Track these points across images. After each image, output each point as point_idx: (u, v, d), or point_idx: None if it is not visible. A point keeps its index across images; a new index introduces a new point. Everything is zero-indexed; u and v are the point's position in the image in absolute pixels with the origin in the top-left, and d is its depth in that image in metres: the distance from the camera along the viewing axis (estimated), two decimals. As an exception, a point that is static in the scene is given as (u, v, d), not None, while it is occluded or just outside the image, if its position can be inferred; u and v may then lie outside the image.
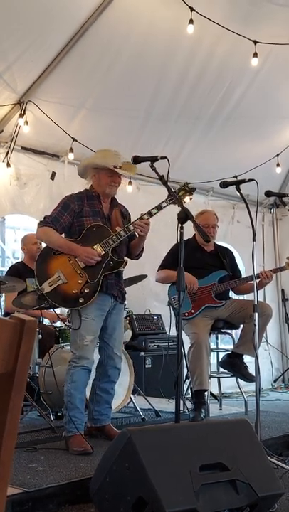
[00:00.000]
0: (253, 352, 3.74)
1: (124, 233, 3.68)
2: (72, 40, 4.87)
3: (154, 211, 3.68)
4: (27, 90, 5.15)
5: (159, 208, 3.68)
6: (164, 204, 3.67)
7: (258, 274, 4.58)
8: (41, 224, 3.72)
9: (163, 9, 4.85)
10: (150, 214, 3.69)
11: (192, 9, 4.59)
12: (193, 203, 6.29)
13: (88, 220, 3.72)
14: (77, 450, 3.45)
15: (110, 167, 3.69)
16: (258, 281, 4.62)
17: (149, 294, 6.44)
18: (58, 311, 4.86)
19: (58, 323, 5.18)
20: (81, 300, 3.61)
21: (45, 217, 3.74)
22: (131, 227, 3.69)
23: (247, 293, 4.92)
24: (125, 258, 3.83)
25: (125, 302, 4.73)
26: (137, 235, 3.79)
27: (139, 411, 4.53)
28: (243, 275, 5.15)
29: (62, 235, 3.75)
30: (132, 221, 3.76)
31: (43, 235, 3.74)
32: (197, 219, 4.81)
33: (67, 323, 4.54)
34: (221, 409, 5.19)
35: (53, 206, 3.87)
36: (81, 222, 3.72)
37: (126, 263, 3.80)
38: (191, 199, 3.72)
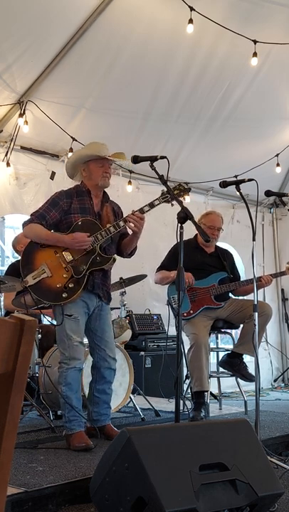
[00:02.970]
0: (252, 352, 3.74)
1: (114, 229, 3.61)
2: (72, 40, 4.87)
3: (146, 208, 3.62)
4: (27, 90, 5.15)
5: (151, 205, 3.62)
6: (156, 202, 3.60)
7: (258, 278, 4.60)
8: (27, 222, 3.66)
9: (163, 9, 4.84)
10: (142, 211, 3.62)
11: (192, 9, 4.59)
12: (194, 203, 6.32)
13: (76, 216, 3.66)
14: (79, 446, 3.45)
15: (101, 155, 3.66)
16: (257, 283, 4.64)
17: (148, 294, 6.45)
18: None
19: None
20: (64, 295, 3.55)
21: (31, 215, 3.69)
22: (121, 223, 3.62)
23: (246, 294, 4.92)
24: (114, 256, 3.76)
25: (125, 302, 4.70)
26: (129, 231, 3.72)
27: (139, 411, 4.53)
28: (242, 275, 5.14)
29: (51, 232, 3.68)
30: (123, 217, 3.69)
31: (29, 232, 3.66)
32: (202, 219, 4.81)
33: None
34: (220, 409, 5.19)
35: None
36: (69, 219, 3.66)
37: (114, 260, 3.74)
38: (184, 199, 3.68)
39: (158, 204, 3.62)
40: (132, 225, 3.62)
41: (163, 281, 4.78)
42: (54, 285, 3.57)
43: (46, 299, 3.61)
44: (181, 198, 3.56)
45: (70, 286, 3.56)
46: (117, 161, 3.81)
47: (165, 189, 3.53)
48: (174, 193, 3.54)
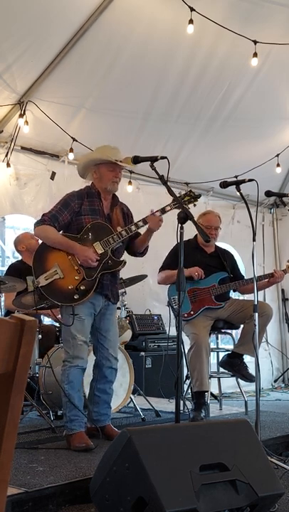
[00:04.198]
0: (253, 352, 3.74)
1: (126, 233, 3.65)
2: (73, 40, 4.87)
3: (158, 214, 3.68)
4: (27, 90, 5.15)
5: (162, 211, 3.68)
6: (167, 208, 3.67)
7: (272, 273, 4.61)
8: (39, 223, 3.69)
9: (163, 9, 4.84)
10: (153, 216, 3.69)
11: (192, 9, 4.58)
12: (193, 203, 6.32)
13: (87, 218, 3.69)
14: (79, 446, 3.46)
15: (112, 160, 3.68)
16: (269, 279, 4.63)
17: (149, 294, 6.44)
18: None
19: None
20: (76, 297, 3.58)
21: (43, 215, 3.71)
22: (133, 227, 3.66)
23: (252, 292, 4.90)
24: (123, 259, 3.80)
25: (125, 302, 4.70)
26: (145, 227, 3.75)
27: (139, 411, 4.53)
28: (243, 275, 5.14)
29: (61, 232, 3.72)
30: (134, 222, 3.73)
31: (41, 233, 3.71)
32: (200, 219, 4.81)
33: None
34: (221, 410, 5.19)
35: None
36: (80, 220, 3.69)
37: (124, 263, 3.78)
38: (195, 205, 3.73)
39: (169, 210, 3.68)
40: (150, 224, 3.67)
41: (167, 281, 4.78)
42: (66, 287, 3.60)
43: (57, 299, 3.65)
44: (190, 205, 3.61)
45: (81, 288, 3.60)
46: (127, 167, 3.82)
47: (173, 191, 3.55)
48: (182, 199, 3.59)
